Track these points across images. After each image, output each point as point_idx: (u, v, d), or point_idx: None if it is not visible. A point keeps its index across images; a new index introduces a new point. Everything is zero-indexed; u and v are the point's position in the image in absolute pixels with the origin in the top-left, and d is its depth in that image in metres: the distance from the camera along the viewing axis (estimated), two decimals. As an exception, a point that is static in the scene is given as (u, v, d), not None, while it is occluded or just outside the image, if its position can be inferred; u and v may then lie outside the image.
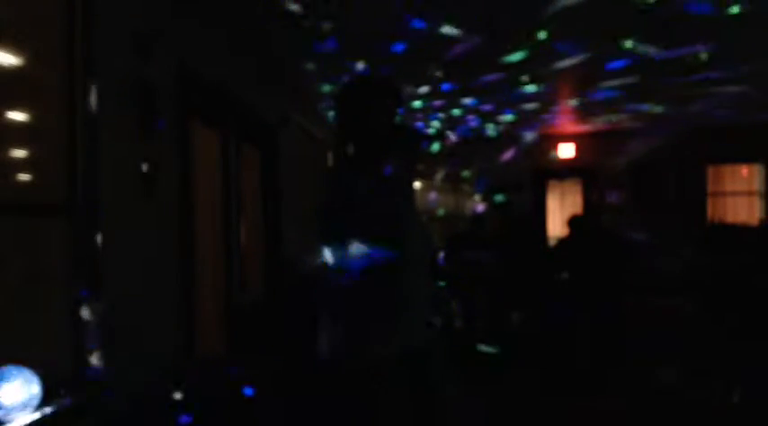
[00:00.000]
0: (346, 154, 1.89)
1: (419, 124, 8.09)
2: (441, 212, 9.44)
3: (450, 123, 8.07)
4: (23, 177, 2.15)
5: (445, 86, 5.98)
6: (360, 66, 4.98)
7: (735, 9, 3.85)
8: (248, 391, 2.59)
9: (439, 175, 9.52)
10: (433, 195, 9.56)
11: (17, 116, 2.11)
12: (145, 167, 2.74)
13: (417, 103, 6.66)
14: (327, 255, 1.80)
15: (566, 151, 9.38)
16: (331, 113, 6.96)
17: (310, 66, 5.00)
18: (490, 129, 8.69)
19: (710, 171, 9.14)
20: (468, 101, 6.71)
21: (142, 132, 2.74)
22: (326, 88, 5.36)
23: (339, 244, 1.75)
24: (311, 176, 6.30)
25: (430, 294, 1.96)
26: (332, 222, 1.75)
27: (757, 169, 9.11)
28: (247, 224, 4.49)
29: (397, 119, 1.93)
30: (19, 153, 2.13)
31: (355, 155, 1.87)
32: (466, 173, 9.59)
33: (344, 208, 1.72)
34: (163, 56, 2.91)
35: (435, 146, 9.14)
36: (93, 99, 2.40)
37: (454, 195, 9.68)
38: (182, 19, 3.28)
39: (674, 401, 4.08)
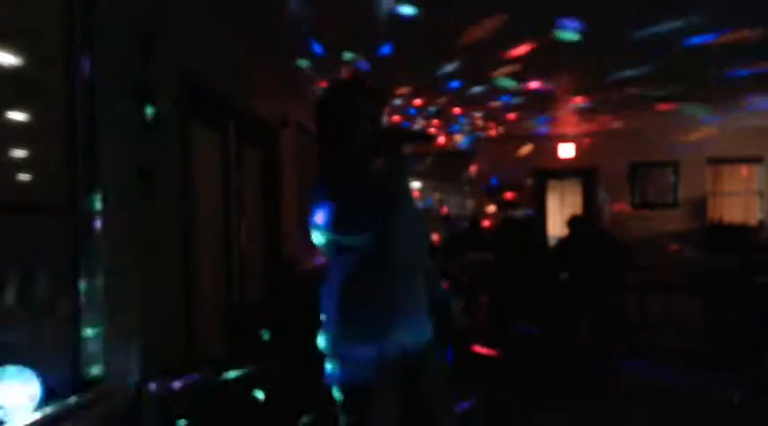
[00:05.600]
0: (333, 156, 1.85)
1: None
2: (442, 212, 9.42)
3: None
4: (23, 177, 2.15)
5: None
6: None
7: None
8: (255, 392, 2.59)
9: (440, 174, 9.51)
10: (433, 194, 9.55)
11: (17, 116, 2.11)
12: (145, 167, 2.74)
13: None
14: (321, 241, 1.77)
15: (566, 151, 9.36)
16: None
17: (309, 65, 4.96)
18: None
19: (710, 171, 9.14)
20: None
21: (142, 132, 2.75)
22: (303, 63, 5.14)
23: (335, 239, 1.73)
24: (311, 176, 6.29)
25: (429, 295, 1.95)
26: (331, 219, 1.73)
27: (757, 169, 9.11)
28: (247, 224, 4.48)
29: (382, 118, 1.90)
30: (19, 153, 2.13)
31: (342, 158, 1.83)
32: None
33: (342, 206, 1.70)
34: (163, 56, 2.91)
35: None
36: (93, 99, 2.40)
37: (455, 195, 9.68)
38: (183, 19, 3.28)
39: (673, 401, 4.08)
